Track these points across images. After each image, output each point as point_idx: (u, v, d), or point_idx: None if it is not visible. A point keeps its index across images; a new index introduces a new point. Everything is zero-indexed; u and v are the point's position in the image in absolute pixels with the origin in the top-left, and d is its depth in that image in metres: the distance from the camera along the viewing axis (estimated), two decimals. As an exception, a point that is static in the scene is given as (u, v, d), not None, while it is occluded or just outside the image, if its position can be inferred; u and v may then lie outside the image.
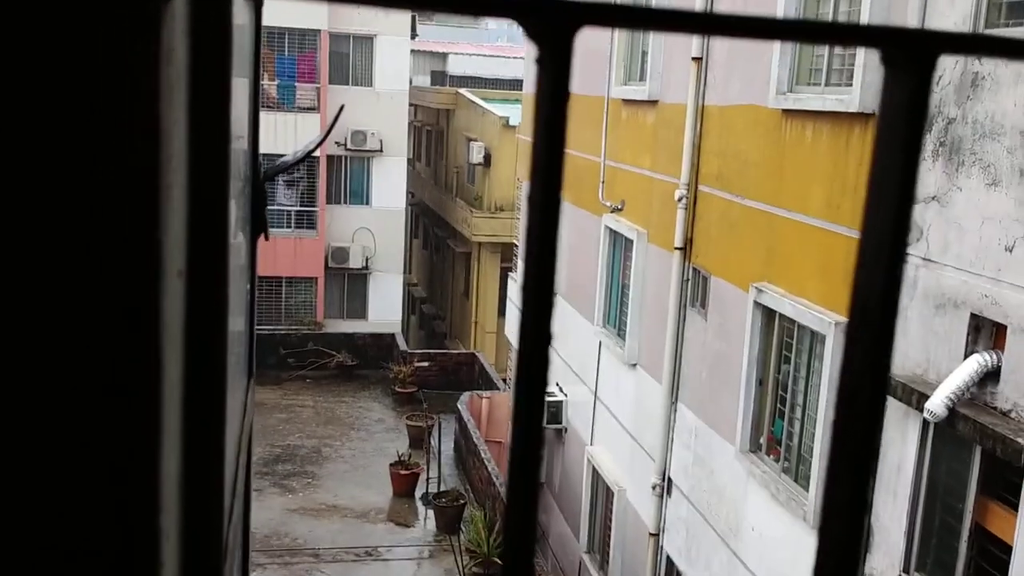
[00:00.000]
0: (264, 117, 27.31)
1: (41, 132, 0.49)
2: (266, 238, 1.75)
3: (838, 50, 8.20)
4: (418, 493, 17.99)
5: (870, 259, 0.45)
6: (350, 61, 26.63)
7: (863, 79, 7.47)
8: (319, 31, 25.66)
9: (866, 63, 7.45)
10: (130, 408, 0.55)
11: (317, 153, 25.55)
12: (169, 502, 0.62)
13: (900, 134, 0.44)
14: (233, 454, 1.28)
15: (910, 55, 0.44)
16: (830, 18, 8.26)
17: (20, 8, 0.47)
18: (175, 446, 0.66)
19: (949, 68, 6.61)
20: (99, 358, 0.53)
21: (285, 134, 25.13)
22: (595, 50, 13.57)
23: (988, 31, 6.39)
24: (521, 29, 0.40)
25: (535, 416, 0.44)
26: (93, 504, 0.55)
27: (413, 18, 27.54)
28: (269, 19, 24.49)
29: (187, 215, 0.67)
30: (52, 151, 0.50)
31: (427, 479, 17.71)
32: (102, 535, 0.55)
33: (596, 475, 13.42)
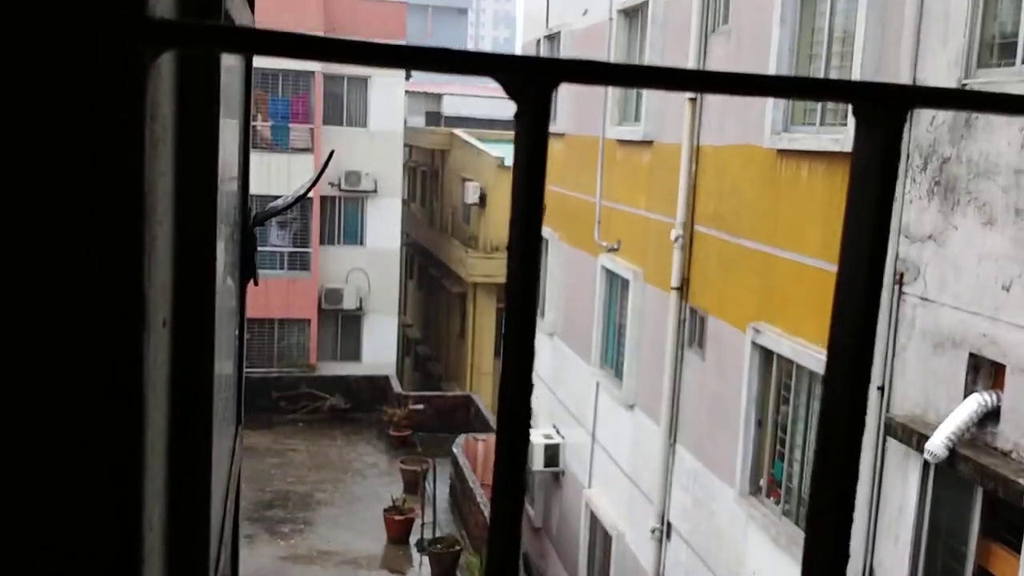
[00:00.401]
0: (258, 158, 27.58)
1: (27, 183, 0.50)
2: (255, 283, 1.71)
3: (831, 90, 8.25)
4: (413, 539, 17.76)
5: (846, 307, 0.46)
6: (344, 102, 26.80)
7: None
8: (313, 72, 25.85)
9: (860, 103, 7.48)
10: (112, 458, 0.55)
11: (311, 194, 25.60)
12: (153, 551, 0.60)
13: (872, 185, 0.46)
14: (220, 501, 1.23)
15: (880, 109, 0.44)
16: (824, 59, 8.31)
17: (8, 61, 0.48)
18: (160, 495, 0.64)
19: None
20: (81, 408, 0.53)
21: (279, 175, 25.21)
22: (590, 91, 13.66)
23: (980, 70, 6.42)
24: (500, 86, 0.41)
25: (518, 465, 0.43)
26: (77, 557, 0.55)
27: (407, 61, 27.76)
28: (263, 61, 24.72)
29: (173, 265, 0.66)
30: (37, 202, 0.50)
31: (422, 525, 17.50)
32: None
33: (594, 519, 13.27)
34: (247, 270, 1.66)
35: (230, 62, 1.18)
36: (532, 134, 0.41)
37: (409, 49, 0.39)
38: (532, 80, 0.40)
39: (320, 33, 27.56)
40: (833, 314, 0.47)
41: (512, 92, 0.40)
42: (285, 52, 0.38)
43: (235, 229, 1.49)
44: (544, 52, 15.89)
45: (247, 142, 1.76)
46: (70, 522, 0.54)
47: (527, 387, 0.43)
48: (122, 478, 0.55)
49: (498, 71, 0.40)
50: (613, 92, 12.82)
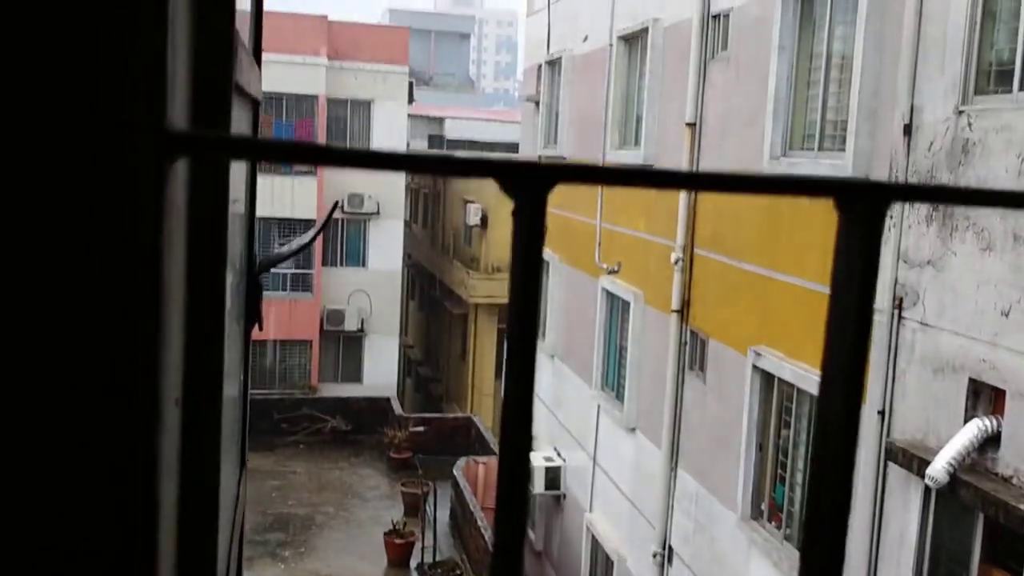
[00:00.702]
0: (261, 180, 27.44)
1: (52, 279, 0.53)
2: (260, 328, 1.73)
3: (831, 115, 8.30)
4: (413, 563, 17.68)
5: (830, 398, 0.47)
6: (348, 125, 26.93)
7: (856, 144, 7.54)
8: (317, 96, 25.98)
9: (858, 129, 7.53)
10: (125, 545, 0.56)
11: (314, 216, 25.67)
12: None
13: (856, 275, 0.47)
14: (224, 550, 1.25)
15: (861, 204, 0.47)
16: (822, 84, 8.36)
17: (38, 160, 0.51)
18: (169, 567, 0.66)
19: (940, 134, 6.68)
20: (95, 491, 0.55)
21: (282, 197, 25.29)
22: (590, 114, 13.74)
23: (978, 97, 6.46)
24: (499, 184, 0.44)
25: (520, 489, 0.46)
26: None
27: (410, 83, 27.94)
28: (268, 85, 24.83)
29: (184, 345, 0.68)
30: (61, 299, 0.53)
31: (422, 548, 17.43)
32: None
33: (595, 543, 13.22)
34: (251, 316, 1.69)
35: (237, 118, 1.21)
36: (529, 232, 0.43)
37: (416, 157, 0.42)
38: (529, 183, 0.43)
39: (324, 59, 27.68)
40: (817, 411, 0.49)
41: (510, 192, 0.43)
42: (288, 158, 0.41)
43: (241, 277, 1.51)
44: (545, 77, 16.00)
45: (254, 186, 1.79)
46: None
47: (527, 438, 0.46)
48: (134, 560, 0.56)
49: (498, 175, 0.43)
50: (613, 115, 12.89)
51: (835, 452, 0.49)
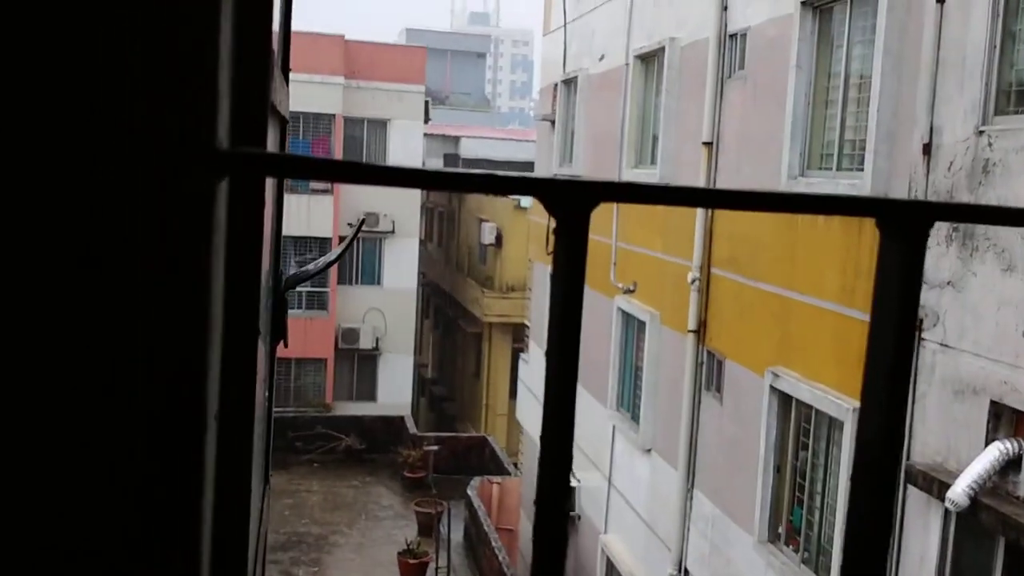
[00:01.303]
0: (278, 200, 27.39)
1: (109, 296, 0.54)
2: (285, 346, 1.72)
3: (848, 135, 8.27)
4: (427, 582, 17.60)
5: (871, 421, 0.46)
6: (364, 144, 27.06)
7: (874, 163, 7.51)
8: (334, 115, 26.14)
9: (876, 148, 7.50)
10: (170, 555, 0.57)
11: (329, 234, 25.76)
12: None
13: (895, 296, 0.48)
14: (250, 565, 1.24)
15: (904, 224, 0.47)
16: (840, 104, 8.34)
17: (96, 180, 0.52)
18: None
19: (960, 153, 6.64)
20: (145, 499, 0.56)
21: (298, 216, 25.40)
22: (606, 133, 13.75)
23: (998, 117, 6.42)
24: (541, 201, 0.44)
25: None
26: None
27: (426, 102, 28.07)
28: (285, 104, 24.99)
29: (221, 361, 0.68)
30: (118, 315, 0.54)
31: (436, 568, 17.35)
32: None
33: (610, 565, 13.12)
34: (277, 333, 1.68)
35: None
36: (571, 250, 0.44)
37: (457, 175, 0.41)
38: (572, 200, 0.43)
39: (341, 78, 27.83)
40: (859, 429, 0.49)
41: (553, 210, 0.43)
42: (328, 177, 0.41)
43: (268, 295, 1.51)
44: (561, 96, 16.03)
45: (280, 204, 1.79)
46: None
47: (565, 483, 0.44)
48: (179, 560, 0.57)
49: (541, 193, 0.43)
50: (629, 134, 12.90)
51: (874, 474, 0.49)
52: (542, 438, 0.46)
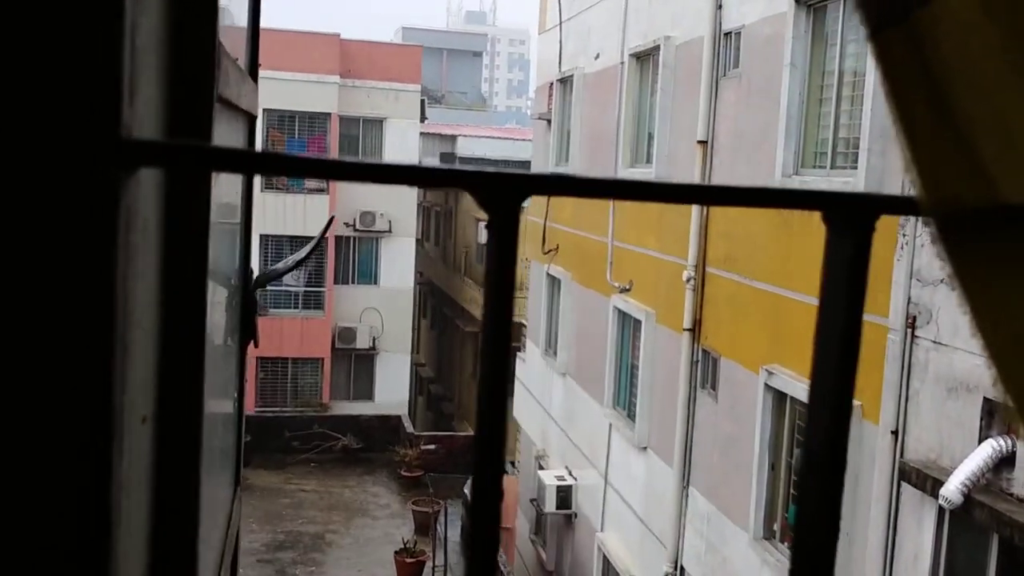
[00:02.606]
0: (274, 198, 27.54)
1: (6, 295, 0.51)
2: (255, 345, 1.72)
3: (843, 133, 8.28)
4: (424, 580, 17.61)
5: (818, 408, 0.46)
6: (360, 143, 27.04)
7: (868, 162, 7.52)
8: (329, 114, 26.12)
9: (870, 147, 7.51)
10: (82, 559, 0.54)
11: (326, 234, 25.73)
12: None
13: (843, 289, 0.47)
14: (214, 569, 1.23)
15: (850, 217, 0.46)
16: (834, 102, 8.35)
17: None
18: None
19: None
20: (49, 505, 0.53)
21: (294, 215, 25.39)
22: (602, 132, 13.76)
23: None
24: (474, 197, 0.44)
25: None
26: None
27: (423, 101, 28.06)
28: (280, 103, 25.04)
29: (158, 363, 0.67)
30: (8, 309, 0.52)
31: (433, 567, 17.36)
32: None
33: (607, 562, 13.13)
34: (247, 333, 1.68)
35: (226, 115, 1.20)
36: (502, 241, 0.43)
37: (386, 167, 0.41)
38: (502, 194, 0.42)
39: (336, 77, 27.83)
40: (807, 419, 0.49)
41: (484, 203, 0.43)
42: (252, 170, 0.40)
43: (236, 293, 1.50)
44: (557, 94, 16.04)
45: (250, 202, 1.79)
46: None
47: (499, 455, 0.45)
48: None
49: (470, 186, 0.43)
50: (624, 133, 12.90)
51: (824, 461, 0.49)
52: (475, 447, 0.46)
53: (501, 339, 0.44)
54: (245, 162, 0.40)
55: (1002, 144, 0.44)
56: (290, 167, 0.40)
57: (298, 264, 2.65)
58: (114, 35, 0.51)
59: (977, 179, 0.45)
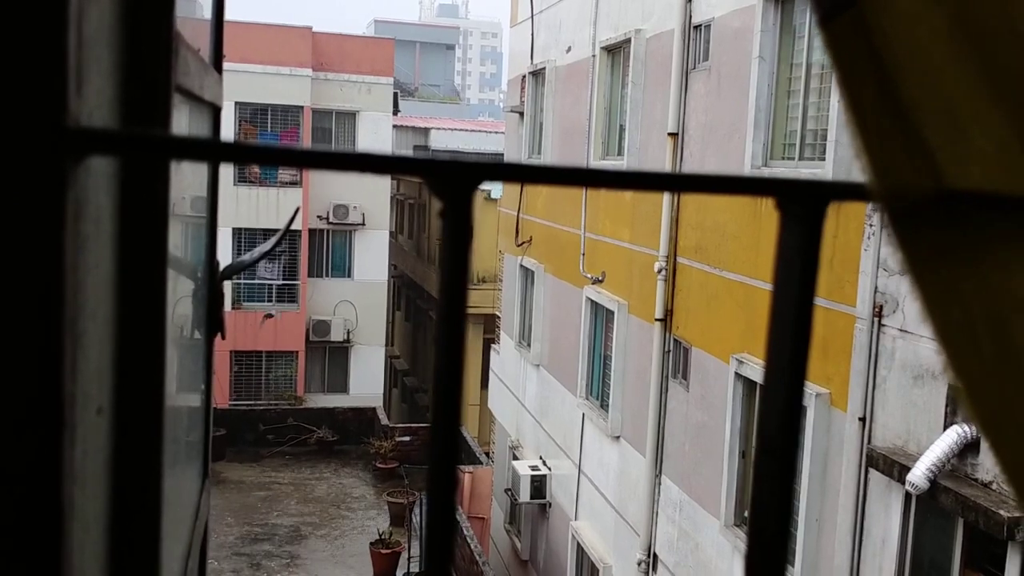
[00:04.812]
0: (247, 191, 27.28)
1: None
2: (222, 337, 1.74)
3: (811, 124, 8.37)
4: (399, 573, 17.62)
5: (772, 393, 0.47)
6: (332, 136, 26.91)
7: (836, 153, 7.61)
8: (302, 107, 25.97)
9: (838, 138, 7.60)
10: (31, 553, 0.54)
11: (299, 228, 25.64)
12: None
13: (796, 274, 0.47)
14: (181, 562, 1.25)
15: (802, 203, 0.47)
16: (802, 94, 8.43)
17: None
18: None
19: (918, 143, 6.74)
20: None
21: (267, 208, 25.25)
22: (574, 124, 13.79)
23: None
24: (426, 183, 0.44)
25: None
26: None
27: (395, 94, 27.96)
28: (252, 95, 24.86)
29: (115, 354, 0.67)
30: None
31: (409, 558, 17.38)
32: None
33: (581, 551, 13.22)
34: (214, 325, 1.69)
35: (188, 107, 1.22)
36: (455, 229, 0.43)
37: (340, 155, 0.42)
38: (454, 181, 0.43)
39: (309, 70, 27.62)
40: (760, 406, 0.49)
41: (437, 192, 0.43)
42: (201, 157, 0.42)
43: (201, 285, 1.51)
44: (529, 87, 16.05)
45: (216, 190, 1.80)
46: None
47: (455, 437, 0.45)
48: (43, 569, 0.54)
49: (423, 173, 0.43)
50: (596, 126, 12.95)
51: (777, 446, 0.48)
52: (431, 428, 0.48)
53: (455, 329, 0.44)
54: (194, 150, 0.41)
55: (948, 131, 0.44)
56: (244, 154, 0.41)
57: (265, 255, 2.66)
58: (57, 23, 0.50)
59: (924, 166, 0.45)
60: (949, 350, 0.48)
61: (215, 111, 1.68)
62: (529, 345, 15.87)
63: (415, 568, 17.17)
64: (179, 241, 1.04)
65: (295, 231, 25.64)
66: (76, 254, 0.55)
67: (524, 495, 14.63)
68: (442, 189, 0.43)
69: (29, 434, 0.53)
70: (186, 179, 1.19)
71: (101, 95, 0.62)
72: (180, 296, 1.11)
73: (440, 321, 0.45)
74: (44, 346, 0.52)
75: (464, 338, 0.46)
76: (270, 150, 0.41)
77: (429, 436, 0.47)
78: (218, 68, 1.68)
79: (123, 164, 0.67)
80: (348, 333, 26.89)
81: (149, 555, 0.82)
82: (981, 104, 0.44)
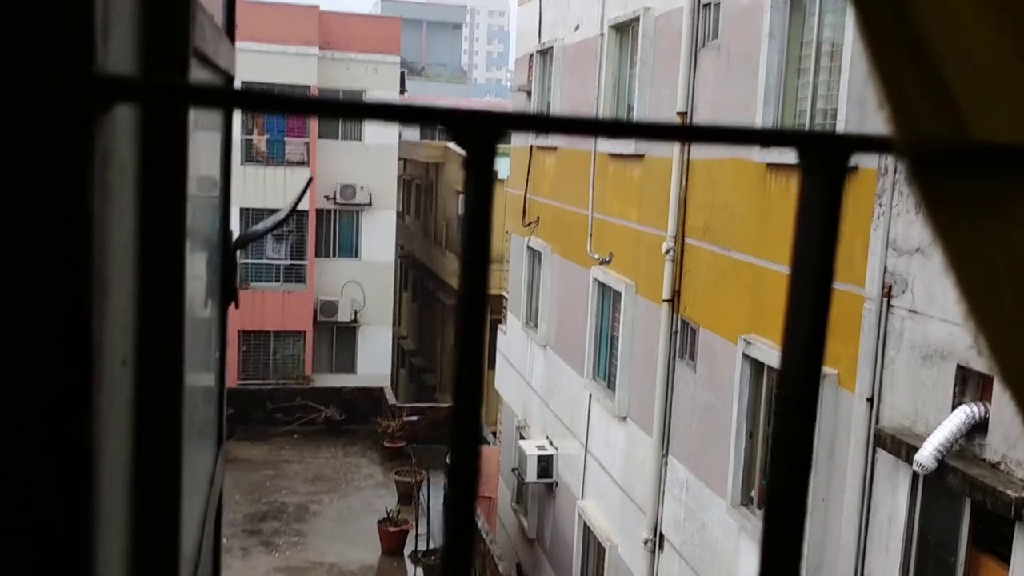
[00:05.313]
0: (254, 171, 27.28)
1: None
2: (236, 306, 1.74)
3: (820, 103, 8.32)
4: (407, 550, 17.74)
5: (792, 360, 0.47)
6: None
7: (846, 131, 7.55)
8: (309, 87, 25.91)
9: (848, 117, 7.55)
10: (62, 498, 0.54)
11: (306, 208, 25.64)
12: None
13: (817, 229, 0.47)
14: (196, 527, 1.25)
15: (824, 157, 0.46)
16: (812, 72, 8.38)
17: None
18: (118, 532, 0.65)
19: (929, 122, 6.69)
20: (29, 448, 0.53)
21: (275, 188, 25.25)
22: (582, 103, 13.73)
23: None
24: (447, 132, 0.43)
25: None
26: None
27: (402, 73, 27.87)
28: (259, 75, 24.78)
29: (137, 306, 0.68)
30: None
31: (416, 536, 17.48)
32: None
33: (587, 530, 13.27)
34: (228, 293, 1.69)
35: (202, 76, 1.21)
36: (479, 180, 0.43)
37: (359, 105, 0.42)
38: (478, 131, 0.43)
39: (315, 49, 27.56)
40: (780, 367, 0.48)
41: (461, 142, 0.43)
42: (224, 104, 0.41)
43: (215, 252, 1.51)
44: (537, 66, 15.97)
45: (228, 162, 1.80)
46: (18, 554, 0.52)
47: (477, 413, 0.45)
48: (71, 518, 0.54)
49: (448, 123, 0.43)
50: (604, 105, 12.89)
51: (797, 409, 0.47)
52: (452, 414, 0.47)
53: (478, 282, 0.44)
54: (219, 98, 0.41)
55: (970, 80, 0.44)
56: (264, 104, 0.41)
57: (278, 224, 2.66)
58: None
59: (947, 116, 0.45)
60: (970, 301, 0.48)
61: (228, 79, 1.67)
62: (536, 326, 15.88)
63: (422, 546, 17.27)
64: (193, 208, 1.04)
65: (302, 211, 25.64)
66: (104, 202, 0.55)
67: (531, 475, 14.68)
68: (466, 139, 0.43)
69: (60, 374, 0.53)
70: (199, 147, 1.18)
71: (124, 51, 0.62)
72: (195, 262, 1.11)
73: (464, 268, 0.45)
74: (76, 293, 0.52)
75: (487, 289, 0.45)
76: (287, 99, 0.41)
77: (452, 385, 0.45)
78: (231, 38, 1.68)
79: (144, 115, 0.67)
80: (355, 313, 26.94)
81: (170, 501, 0.83)
82: (1006, 54, 0.43)
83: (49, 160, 0.50)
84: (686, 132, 0.50)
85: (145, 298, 0.71)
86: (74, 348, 0.53)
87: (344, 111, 0.41)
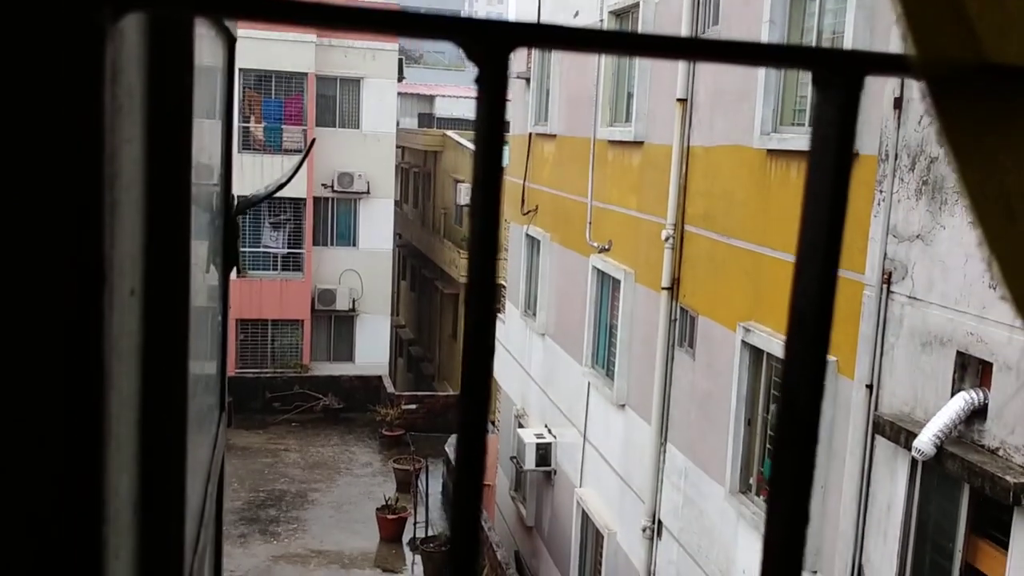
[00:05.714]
0: (251, 159, 27.25)
1: None
2: (239, 273, 1.73)
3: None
4: (406, 538, 17.77)
5: (806, 273, 0.46)
6: (337, 103, 26.79)
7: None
8: (306, 74, 25.83)
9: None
10: (73, 421, 0.54)
11: (304, 195, 25.58)
12: (121, 520, 0.61)
13: (831, 152, 0.46)
14: (201, 482, 1.25)
15: (838, 75, 0.46)
16: (815, 30, 8.34)
17: None
18: (129, 461, 0.64)
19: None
20: (39, 370, 0.53)
21: (272, 176, 25.14)
22: (581, 92, 13.70)
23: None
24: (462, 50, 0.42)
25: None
26: (34, 522, 0.53)
27: (400, 61, 27.78)
28: (256, 62, 24.71)
29: (144, 235, 0.67)
30: None
31: (415, 523, 17.51)
32: (44, 550, 0.54)
33: (586, 518, 13.30)
34: (230, 257, 1.68)
35: (211, 61, 1.20)
36: (491, 91, 0.42)
37: (368, 12, 0.40)
38: (490, 44, 0.41)
39: (313, 36, 27.34)
40: (793, 284, 0.48)
41: (471, 56, 0.42)
42: (234, 13, 0.40)
43: (218, 216, 1.50)
44: (536, 54, 15.92)
45: (230, 132, 1.79)
46: (21, 525, 0.52)
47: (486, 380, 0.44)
48: (82, 441, 0.54)
49: (458, 36, 0.41)
50: (604, 93, 12.86)
51: (807, 345, 0.47)
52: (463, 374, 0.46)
53: (491, 202, 0.42)
54: (223, 5, 0.40)
55: (987, 2, 0.44)
56: (265, 8, 0.40)
57: (280, 187, 2.65)
58: None
59: (964, 37, 0.45)
60: (984, 224, 0.48)
61: (231, 42, 1.66)
62: (535, 314, 15.87)
63: (421, 533, 17.30)
64: (195, 170, 1.02)
65: (300, 199, 25.59)
66: (113, 117, 0.55)
67: (529, 463, 14.70)
68: (478, 52, 0.42)
69: (72, 287, 0.53)
70: (202, 129, 1.17)
71: None
72: (198, 226, 1.10)
73: (475, 191, 0.43)
74: (87, 212, 0.52)
75: (500, 211, 0.43)
76: (294, 4, 0.40)
77: (466, 310, 0.44)
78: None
79: (152, 35, 0.65)
80: (353, 302, 26.93)
81: (176, 430, 0.82)
82: None
83: (62, 67, 0.49)
84: (703, 48, 0.48)
85: (153, 226, 0.70)
86: (86, 263, 0.52)
87: (349, 20, 0.40)
